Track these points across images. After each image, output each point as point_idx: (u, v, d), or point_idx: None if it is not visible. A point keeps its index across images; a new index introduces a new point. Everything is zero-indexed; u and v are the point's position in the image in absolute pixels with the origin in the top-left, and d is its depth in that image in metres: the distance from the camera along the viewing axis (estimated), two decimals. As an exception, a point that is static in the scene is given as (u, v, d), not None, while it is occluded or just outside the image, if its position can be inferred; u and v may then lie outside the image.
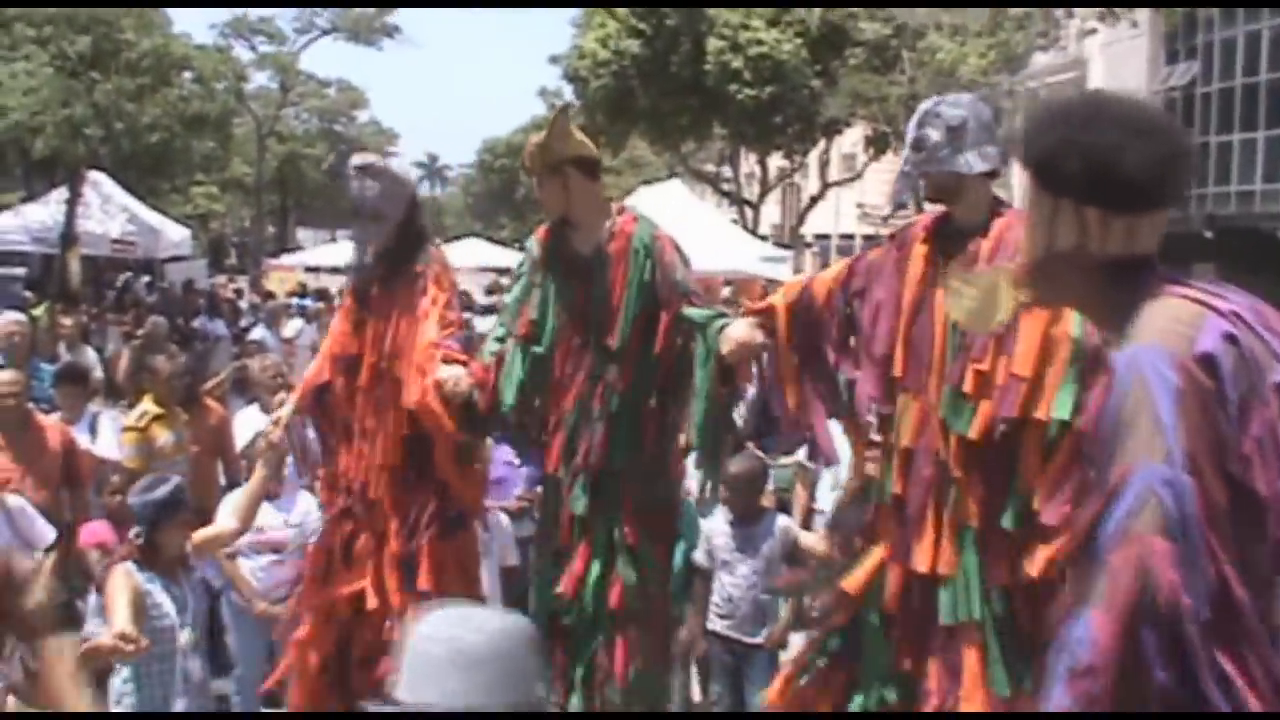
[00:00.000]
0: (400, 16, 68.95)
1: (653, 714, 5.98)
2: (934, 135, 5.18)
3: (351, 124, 77.42)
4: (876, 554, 5.32)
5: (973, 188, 5.21)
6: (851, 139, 42.43)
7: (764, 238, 36.73)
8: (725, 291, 25.69)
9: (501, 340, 6.48)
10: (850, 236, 57.25)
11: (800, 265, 36.01)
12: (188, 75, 44.01)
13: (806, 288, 5.62)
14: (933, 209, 5.38)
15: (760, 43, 35.92)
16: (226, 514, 7.39)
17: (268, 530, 8.01)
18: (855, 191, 48.09)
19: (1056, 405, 4.83)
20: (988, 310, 4.27)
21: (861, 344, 5.41)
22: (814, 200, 43.67)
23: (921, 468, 5.15)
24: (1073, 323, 4.86)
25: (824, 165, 43.51)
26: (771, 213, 51.64)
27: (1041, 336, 4.88)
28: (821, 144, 41.23)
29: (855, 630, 5.39)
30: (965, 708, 4.98)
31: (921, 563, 5.11)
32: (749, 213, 42.67)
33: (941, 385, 5.08)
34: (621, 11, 37.87)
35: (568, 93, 44.53)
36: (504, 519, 8.55)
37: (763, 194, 44.42)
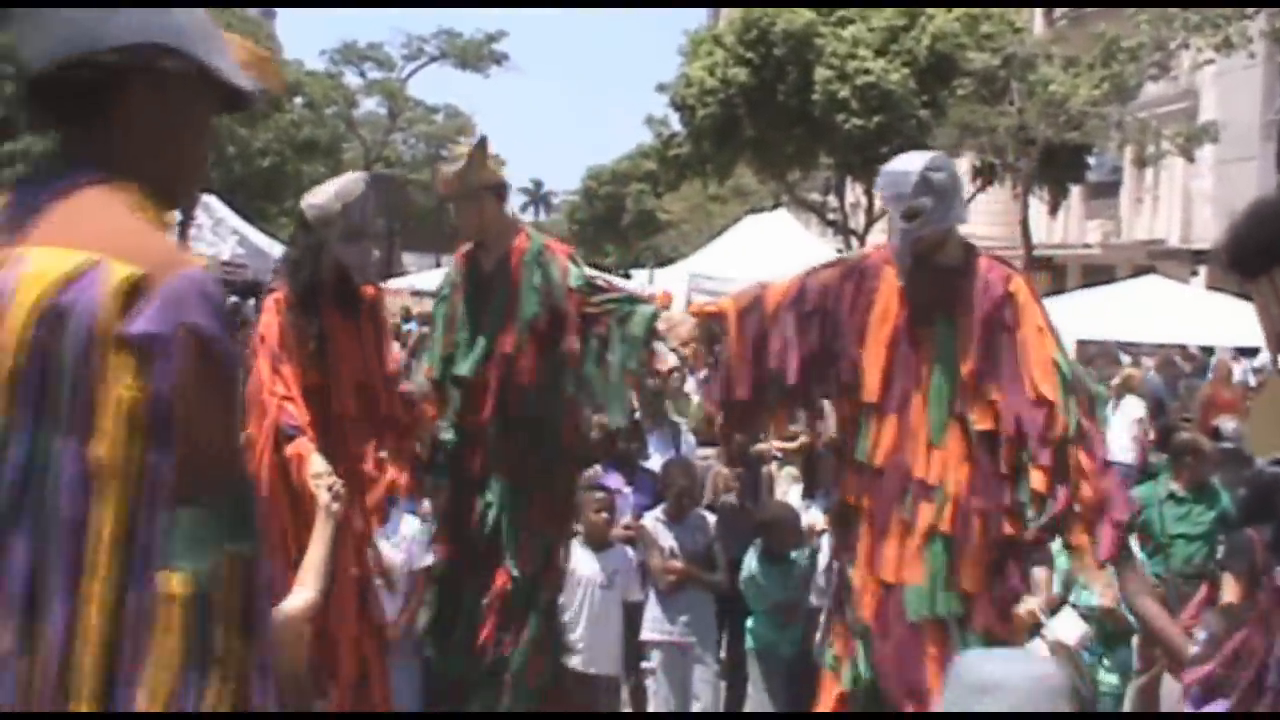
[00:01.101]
0: (508, 44, 69.41)
1: (652, 714, 6.05)
2: (929, 203, 5.56)
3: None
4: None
5: (954, 234, 5.74)
6: (959, 169, 42.29)
7: (869, 268, 36.56)
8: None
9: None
10: (956, 267, 57.03)
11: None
12: (299, 101, 44.58)
13: (758, 297, 5.97)
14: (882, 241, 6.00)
15: (868, 72, 35.85)
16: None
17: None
18: (961, 222, 47.90)
19: (1071, 423, 5.40)
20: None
21: (817, 366, 5.85)
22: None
23: (890, 484, 5.58)
24: (1054, 348, 5.55)
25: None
26: (877, 242, 51.46)
27: (1047, 363, 5.47)
28: (928, 174, 41.07)
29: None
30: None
31: (890, 573, 5.54)
32: (854, 243, 42.50)
33: (926, 411, 5.56)
34: (729, 40, 37.94)
35: (674, 121, 44.59)
36: (630, 552, 8.48)
37: (868, 224, 44.19)
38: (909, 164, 5.70)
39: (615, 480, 9.43)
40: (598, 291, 6.66)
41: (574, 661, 8.05)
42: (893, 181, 5.68)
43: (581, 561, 8.08)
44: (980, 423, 5.52)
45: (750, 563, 8.03)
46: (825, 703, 5.84)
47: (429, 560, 8.24)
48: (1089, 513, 5.39)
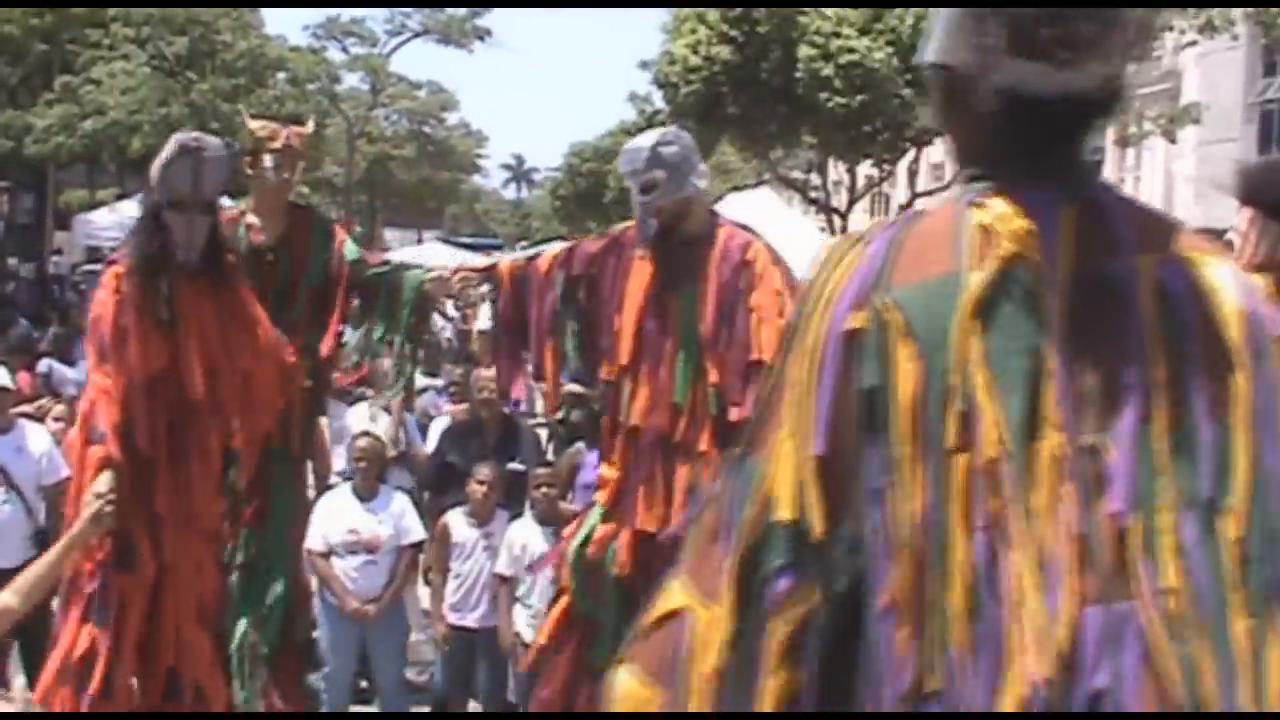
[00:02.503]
0: (491, 20, 69.32)
1: (651, 713, 6.15)
2: (661, 175, 6.05)
3: (441, 126, 77.62)
4: (598, 520, 6.28)
5: (698, 205, 6.23)
6: (941, 149, 42.25)
7: (851, 246, 36.53)
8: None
9: None
10: (938, 246, 57.09)
11: (887, 274, 35.68)
12: (282, 76, 44.47)
13: (531, 259, 6.59)
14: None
15: (852, 51, 35.79)
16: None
17: (361, 530, 8.10)
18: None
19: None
20: None
21: (583, 328, 6.41)
22: (903, 209, 43.48)
23: (646, 441, 6.04)
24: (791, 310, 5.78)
25: (913, 175, 43.33)
26: (860, 221, 51.45)
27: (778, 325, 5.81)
28: (911, 153, 41.07)
29: (598, 591, 6.25)
30: None
31: (649, 523, 5.99)
32: (836, 221, 42.54)
33: (673, 374, 6.00)
34: (712, 17, 37.84)
35: (657, 98, 44.58)
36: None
37: (851, 202, 44.26)
38: (642, 140, 6.26)
39: (596, 459, 9.48)
40: (368, 266, 6.88)
41: (530, 635, 8.11)
42: (629, 159, 6.19)
43: (531, 537, 8.13)
44: (715, 381, 6.01)
45: None
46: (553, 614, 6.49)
47: (416, 536, 8.31)
48: None
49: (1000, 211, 2.08)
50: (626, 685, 2.20)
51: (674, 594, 2.16)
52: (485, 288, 6.69)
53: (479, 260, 6.93)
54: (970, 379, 2.00)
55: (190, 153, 5.82)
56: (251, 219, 6.83)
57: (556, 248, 6.65)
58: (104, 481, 5.38)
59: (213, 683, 5.94)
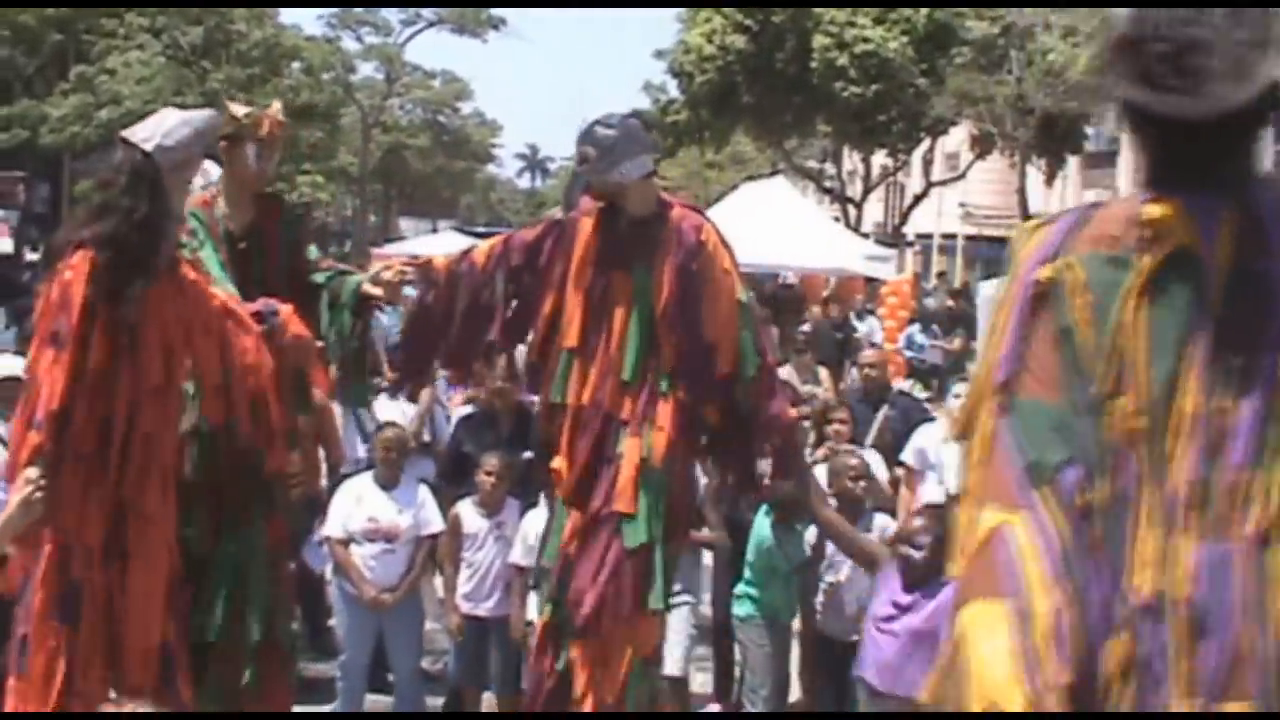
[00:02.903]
0: (506, 9, 69.21)
1: (652, 714, 6.14)
2: (591, 152, 6.04)
3: (455, 115, 77.68)
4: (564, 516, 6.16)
5: (635, 189, 6.09)
6: (956, 138, 42.20)
7: (866, 236, 36.57)
8: (827, 289, 25.60)
9: None
10: (952, 236, 56.88)
11: (903, 265, 35.90)
12: (296, 66, 44.50)
13: (466, 254, 6.41)
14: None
15: (866, 40, 35.80)
16: None
17: (381, 519, 8.10)
18: (958, 191, 47.87)
19: (746, 360, 6.03)
20: None
21: (525, 314, 6.27)
22: (917, 199, 43.47)
23: (592, 421, 6.00)
24: (739, 289, 6.13)
25: (928, 164, 43.31)
26: (874, 211, 51.43)
27: (731, 304, 6.05)
28: (926, 143, 41.04)
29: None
30: (618, 635, 5.94)
31: (600, 503, 5.98)
32: (851, 210, 42.54)
33: (623, 352, 5.98)
34: (727, 8, 37.85)
35: (672, 87, 44.56)
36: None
37: (866, 192, 44.27)
38: (596, 116, 6.20)
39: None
40: (318, 269, 6.77)
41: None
42: (579, 130, 6.19)
43: (528, 519, 8.12)
44: (667, 361, 6.00)
45: (761, 529, 8.04)
46: (535, 652, 6.33)
47: (435, 527, 8.31)
48: (760, 432, 6.17)
49: (1167, 210, 2.44)
50: (972, 615, 2.44)
51: (987, 518, 2.45)
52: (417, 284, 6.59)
53: (423, 256, 6.80)
54: (1130, 339, 2.42)
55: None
56: (222, 204, 6.70)
57: (486, 245, 6.50)
58: (33, 470, 5.10)
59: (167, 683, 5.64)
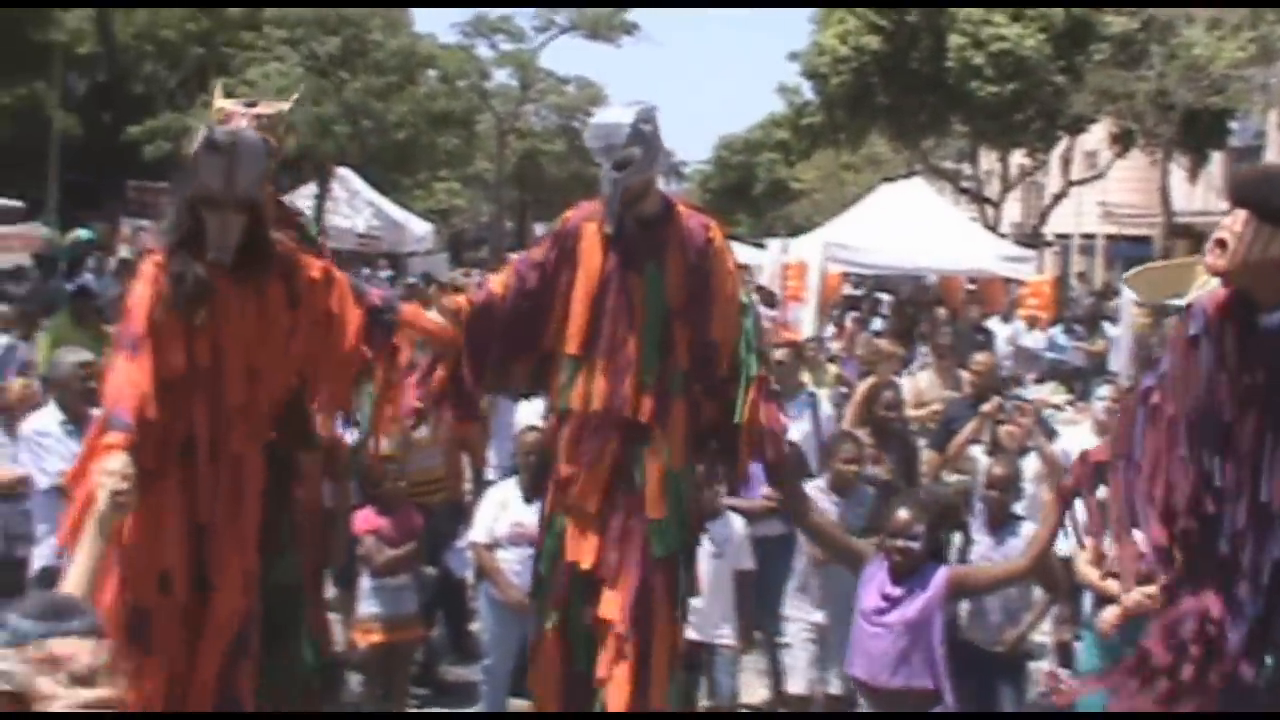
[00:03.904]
0: (638, 14, 69.28)
1: (654, 714, 6.03)
2: (639, 153, 5.93)
3: (589, 120, 77.86)
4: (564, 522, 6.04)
5: (654, 186, 6.13)
6: (1095, 136, 41.56)
7: (1004, 236, 36.16)
8: (966, 290, 25.33)
9: None
10: (1092, 236, 56.09)
11: (1042, 265, 35.42)
12: (432, 73, 44.86)
13: (483, 287, 6.32)
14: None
15: (1003, 38, 35.34)
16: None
17: (526, 524, 8.10)
18: (1097, 190, 47.14)
19: (744, 360, 6.04)
20: (1171, 285, 5.15)
21: (542, 329, 6.10)
22: (1056, 198, 42.91)
23: (605, 426, 5.92)
24: (741, 289, 6.15)
25: (1066, 163, 42.74)
26: (1012, 211, 50.85)
27: (734, 303, 6.07)
28: (1064, 141, 40.50)
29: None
30: (657, 640, 5.89)
31: (628, 509, 5.90)
32: (989, 211, 42.08)
33: (639, 353, 5.89)
34: (861, 8, 37.61)
35: (806, 89, 44.36)
36: (738, 520, 8.43)
37: (1004, 192, 43.75)
38: (620, 116, 6.06)
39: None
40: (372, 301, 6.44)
41: (686, 631, 8.06)
42: (606, 133, 5.98)
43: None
44: (681, 362, 5.98)
45: None
46: (547, 657, 6.17)
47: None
48: (750, 441, 6.07)
49: None
50: None
51: None
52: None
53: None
54: None
55: (220, 150, 5.35)
56: None
57: (503, 272, 6.33)
58: (117, 461, 4.76)
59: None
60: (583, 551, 5.97)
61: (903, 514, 6.57)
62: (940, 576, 6.44)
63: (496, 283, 6.23)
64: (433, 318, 6.26)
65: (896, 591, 6.45)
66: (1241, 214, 4.58)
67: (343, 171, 34.23)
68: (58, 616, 3.44)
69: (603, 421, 5.94)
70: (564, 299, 6.04)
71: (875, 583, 6.53)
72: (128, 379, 5.09)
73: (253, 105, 6.28)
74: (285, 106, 6.24)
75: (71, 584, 4.26)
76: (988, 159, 46.09)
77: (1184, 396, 4.86)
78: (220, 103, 6.26)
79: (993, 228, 37.80)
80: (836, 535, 7.01)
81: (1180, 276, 4.81)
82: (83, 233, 22.64)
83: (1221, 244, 4.64)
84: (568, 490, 6.03)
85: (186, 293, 5.31)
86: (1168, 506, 4.90)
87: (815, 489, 8.30)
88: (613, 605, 5.88)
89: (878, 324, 22.58)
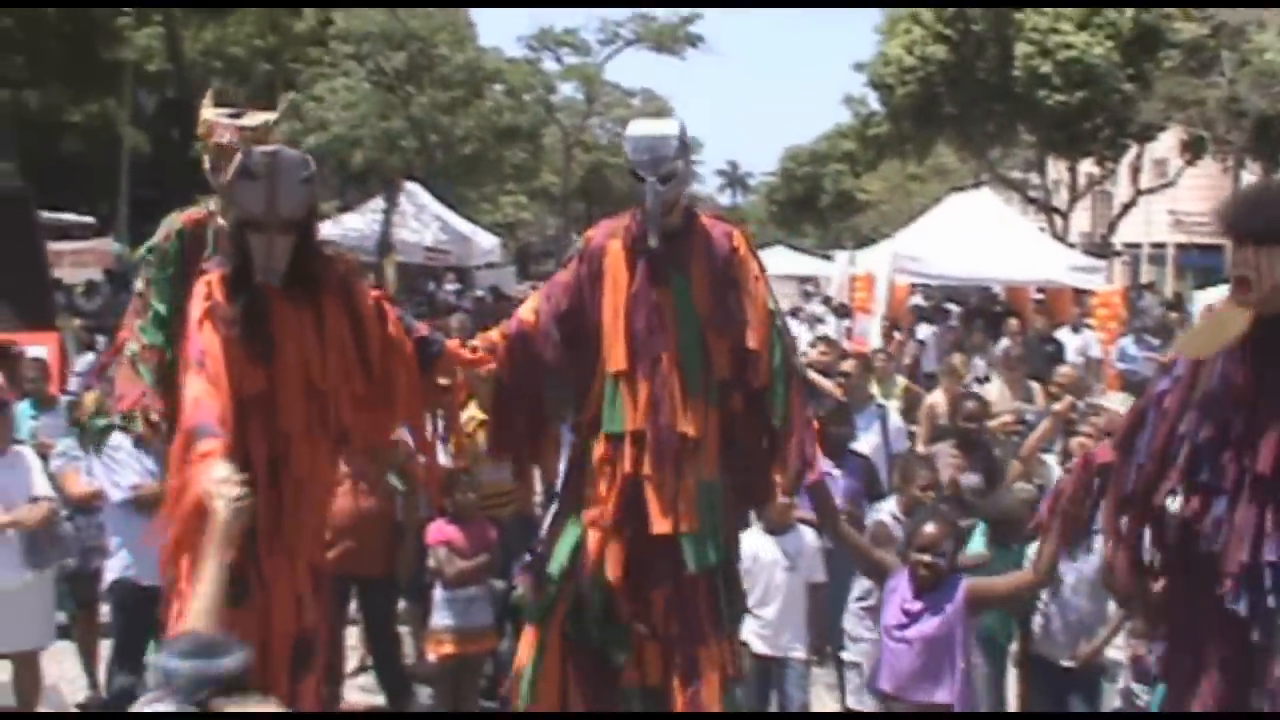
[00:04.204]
0: (703, 26, 69.31)
1: (653, 714, 5.94)
2: (681, 165, 5.85)
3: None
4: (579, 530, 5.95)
5: (682, 199, 5.99)
6: (1165, 144, 41.28)
7: (1073, 246, 35.91)
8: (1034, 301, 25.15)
9: None
10: (1162, 245, 55.60)
11: (1112, 275, 35.20)
12: (498, 88, 44.99)
13: (518, 317, 6.12)
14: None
15: (1070, 46, 35.15)
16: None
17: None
18: (1167, 198, 46.77)
19: (776, 368, 5.94)
20: (1219, 334, 4.84)
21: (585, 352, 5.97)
22: (1125, 208, 42.62)
23: (649, 441, 5.80)
24: (769, 296, 6.02)
25: (1136, 171, 42.43)
26: (1080, 220, 50.52)
27: (764, 311, 5.95)
28: (1133, 149, 40.21)
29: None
30: (704, 658, 5.80)
31: (665, 525, 5.76)
32: (1057, 220, 41.84)
33: (678, 367, 5.81)
34: (927, 17, 37.51)
35: (872, 100, 44.29)
36: (810, 533, 8.39)
37: (1072, 201, 43.48)
38: (666, 128, 6.01)
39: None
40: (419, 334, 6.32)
41: (759, 645, 8.01)
42: (653, 146, 5.86)
43: (762, 546, 8.04)
44: (719, 371, 5.91)
45: (976, 547, 7.89)
46: (525, 646, 6.12)
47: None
48: (785, 448, 5.98)
49: None
50: None
51: None
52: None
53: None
54: None
55: (257, 176, 5.21)
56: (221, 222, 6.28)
57: (532, 299, 6.21)
58: (224, 468, 4.58)
59: None
60: (610, 564, 5.88)
61: (930, 529, 6.48)
62: (961, 590, 6.38)
63: (526, 310, 6.13)
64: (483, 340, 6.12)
65: (916, 606, 6.38)
66: (1251, 248, 4.65)
67: (410, 185, 34.35)
68: (208, 655, 3.45)
69: (649, 437, 5.85)
70: (598, 318, 5.95)
71: (897, 596, 6.48)
72: (204, 392, 4.96)
73: (238, 116, 6.23)
74: (272, 116, 6.20)
75: (203, 596, 4.16)
76: (1056, 168, 45.82)
77: (1198, 403, 4.94)
78: (206, 114, 6.22)
79: (1061, 238, 37.60)
80: (864, 547, 6.94)
81: (1225, 323, 4.76)
82: (153, 248, 22.75)
83: (1244, 282, 4.69)
84: (599, 505, 5.93)
85: (240, 314, 5.20)
86: (1161, 508, 5.07)
87: (888, 515, 8.23)
88: (648, 617, 5.84)
89: (922, 332, 22.48)
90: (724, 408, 5.96)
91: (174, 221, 6.56)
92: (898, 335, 19.92)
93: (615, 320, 5.89)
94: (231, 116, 6.09)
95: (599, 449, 5.94)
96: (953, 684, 6.27)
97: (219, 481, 4.51)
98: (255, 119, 6.18)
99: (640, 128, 6.05)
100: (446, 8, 40.83)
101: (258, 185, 5.20)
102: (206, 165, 6.41)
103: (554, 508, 6.41)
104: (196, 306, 5.22)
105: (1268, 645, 4.77)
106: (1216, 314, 4.87)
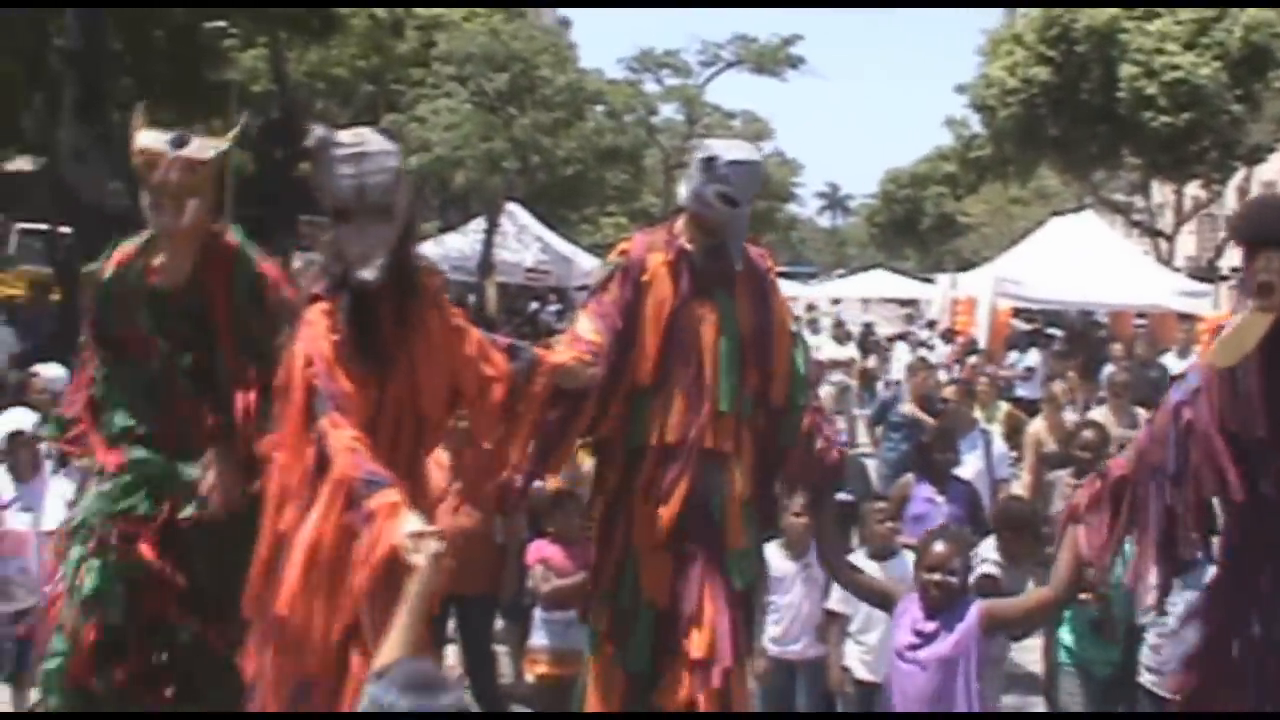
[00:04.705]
0: (804, 47, 69.31)
1: (652, 713, 5.85)
2: (753, 189, 5.89)
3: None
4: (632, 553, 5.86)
5: None
6: (1274, 166, 40.78)
7: (1178, 270, 35.53)
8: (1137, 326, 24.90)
9: None
10: (1270, 268, 54.86)
11: (1219, 300, 34.83)
12: (600, 109, 45.12)
13: (585, 340, 5.82)
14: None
15: (1176, 67, 34.73)
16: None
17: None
18: (1276, 221, 46.16)
19: (796, 391, 6.06)
20: (1244, 341, 4.93)
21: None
22: (1232, 230, 42.11)
23: (682, 457, 5.76)
24: (790, 317, 6.21)
25: (1243, 194, 41.91)
26: (1186, 244, 49.95)
27: (787, 333, 6.07)
28: (1241, 172, 39.72)
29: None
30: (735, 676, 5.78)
31: (713, 543, 5.76)
32: (1162, 244, 41.39)
33: (718, 380, 5.80)
34: (1029, 39, 37.22)
35: (974, 122, 44.02)
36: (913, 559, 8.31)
37: (1178, 225, 43.01)
38: (752, 153, 6.05)
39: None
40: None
41: (861, 671, 7.94)
42: (752, 174, 5.90)
43: (865, 570, 7.98)
44: (752, 389, 5.93)
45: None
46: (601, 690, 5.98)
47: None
48: (798, 471, 6.16)
49: None
50: None
51: None
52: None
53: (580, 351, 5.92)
54: None
55: (341, 159, 4.94)
56: (158, 258, 5.79)
57: (584, 322, 5.89)
58: (416, 521, 4.40)
59: None
60: (657, 587, 5.82)
61: (939, 548, 6.38)
62: (974, 611, 6.28)
63: (589, 330, 5.84)
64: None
65: (930, 627, 6.28)
66: (1274, 253, 4.83)
67: (511, 206, 34.58)
68: (427, 691, 3.41)
69: (682, 453, 5.81)
70: (637, 333, 5.87)
71: (908, 618, 6.38)
72: (355, 440, 4.66)
73: (182, 145, 5.59)
74: (223, 146, 5.66)
75: (393, 650, 4.00)
76: (1161, 191, 45.37)
77: (1220, 411, 5.10)
78: (141, 139, 5.60)
79: (1166, 262, 37.19)
80: (863, 578, 6.83)
81: (1248, 330, 4.92)
82: (256, 267, 23.06)
83: (1267, 287, 4.84)
84: (644, 526, 5.85)
85: (355, 338, 4.93)
86: (1203, 514, 5.26)
87: (993, 567, 8.04)
88: (703, 642, 5.73)
89: (1031, 359, 22.28)
90: (754, 426, 5.97)
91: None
92: (972, 360, 19.79)
93: (657, 333, 5.86)
94: (175, 145, 5.52)
95: (645, 466, 5.87)
96: (969, 706, 6.19)
97: (417, 536, 4.33)
98: (205, 151, 5.59)
99: (740, 153, 5.96)
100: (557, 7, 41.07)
101: (344, 168, 4.95)
102: (147, 208, 5.67)
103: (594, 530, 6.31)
104: (317, 341, 4.88)
105: None
106: (1239, 322, 4.93)
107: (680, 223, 6.03)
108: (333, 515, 4.59)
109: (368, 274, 4.89)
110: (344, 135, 5.05)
